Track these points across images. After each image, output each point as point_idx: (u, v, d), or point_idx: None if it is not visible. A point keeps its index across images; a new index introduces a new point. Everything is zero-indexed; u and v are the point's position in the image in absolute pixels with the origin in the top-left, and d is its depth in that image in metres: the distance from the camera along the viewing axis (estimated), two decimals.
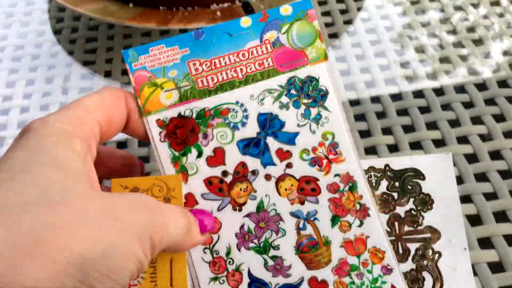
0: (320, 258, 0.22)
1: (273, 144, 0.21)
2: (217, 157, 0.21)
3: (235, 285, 0.22)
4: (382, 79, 0.35)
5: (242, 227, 0.22)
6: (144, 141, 0.22)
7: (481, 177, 0.29)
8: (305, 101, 0.22)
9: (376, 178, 0.23)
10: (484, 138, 0.31)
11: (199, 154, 0.21)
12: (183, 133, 0.21)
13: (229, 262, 0.22)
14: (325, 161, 0.21)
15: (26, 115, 0.35)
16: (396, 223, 0.23)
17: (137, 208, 0.18)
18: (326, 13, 0.40)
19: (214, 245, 0.22)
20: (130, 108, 0.21)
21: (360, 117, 0.33)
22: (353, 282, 0.22)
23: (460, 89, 0.34)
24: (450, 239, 0.23)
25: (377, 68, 0.36)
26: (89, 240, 0.16)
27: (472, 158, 0.30)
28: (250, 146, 0.21)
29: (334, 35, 0.38)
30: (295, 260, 0.22)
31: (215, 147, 0.21)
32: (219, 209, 0.22)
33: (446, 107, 0.33)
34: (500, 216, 0.27)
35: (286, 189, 0.21)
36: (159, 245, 0.18)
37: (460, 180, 0.29)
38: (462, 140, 0.31)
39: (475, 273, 0.25)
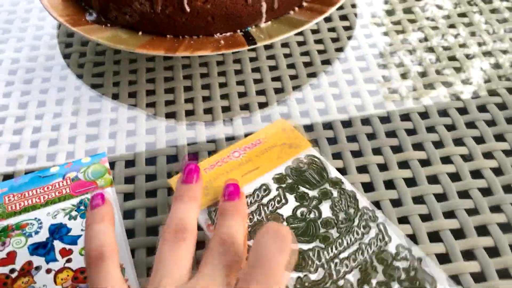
0: None
1: (58, 245, 0.28)
2: (9, 258, 0.28)
3: None
4: (371, 102, 0.38)
5: None
6: None
7: (463, 194, 0.32)
8: None
9: None
10: (466, 158, 0.34)
11: None
12: None
13: None
14: None
15: (38, 134, 0.37)
16: None
17: None
18: (319, 41, 0.43)
19: None
20: None
21: (352, 138, 0.35)
22: None
23: (443, 112, 0.37)
24: None
25: (366, 92, 0.38)
26: None
27: (454, 176, 0.33)
28: (39, 248, 0.28)
29: (326, 62, 0.41)
30: None
31: (9, 251, 0.28)
32: None
33: (430, 129, 0.36)
34: (481, 231, 0.30)
35: (62, 279, 0.27)
36: None
37: (444, 197, 0.32)
38: (445, 160, 0.34)
39: (459, 283, 0.28)
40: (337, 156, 0.34)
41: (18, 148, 0.36)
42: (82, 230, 0.28)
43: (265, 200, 0.29)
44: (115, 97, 0.40)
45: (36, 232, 0.28)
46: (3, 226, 0.28)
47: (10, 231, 0.28)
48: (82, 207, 0.29)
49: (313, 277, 0.26)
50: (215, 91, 0.39)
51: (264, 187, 0.30)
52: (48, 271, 0.27)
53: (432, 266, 0.26)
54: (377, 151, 0.34)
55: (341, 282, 0.26)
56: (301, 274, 0.26)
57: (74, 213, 0.29)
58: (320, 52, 0.42)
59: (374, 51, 0.42)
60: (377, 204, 0.31)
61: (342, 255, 0.27)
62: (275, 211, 0.29)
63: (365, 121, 0.37)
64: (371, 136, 0.35)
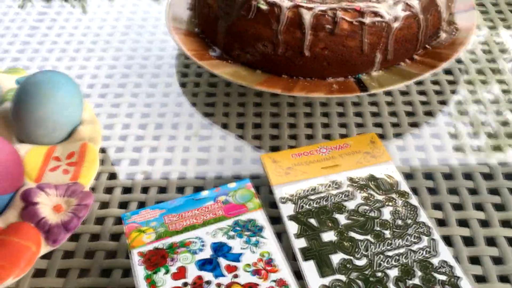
0: None
1: (222, 262, 0.30)
2: (180, 273, 0.30)
3: None
4: (473, 157, 0.38)
5: None
6: None
7: None
8: (246, 233, 0.31)
9: None
10: None
11: (166, 272, 0.29)
12: (155, 259, 0.30)
13: None
14: (263, 271, 0.29)
15: (155, 154, 0.41)
16: None
17: None
18: (422, 92, 0.44)
19: None
20: None
21: (452, 191, 0.36)
22: None
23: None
24: None
25: (469, 147, 0.39)
26: None
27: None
28: (205, 264, 0.30)
29: (429, 113, 0.42)
30: None
31: (179, 266, 0.30)
32: None
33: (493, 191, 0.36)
34: None
35: None
36: None
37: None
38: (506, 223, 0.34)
39: None
40: (437, 207, 0.35)
41: (137, 164, 0.40)
42: (241, 248, 0.30)
43: (334, 192, 0.34)
44: (224, 126, 0.43)
45: (200, 250, 0.31)
46: (169, 244, 0.31)
47: (176, 248, 0.31)
48: (237, 228, 0.32)
49: (356, 262, 0.30)
50: (318, 131, 0.41)
51: (337, 181, 0.34)
52: (218, 285, 0.29)
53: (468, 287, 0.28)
54: (478, 207, 0.35)
55: (379, 274, 0.29)
56: (346, 257, 0.30)
57: (231, 233, 0.31)
58: (422, 103, 0.43)
59: (479, 107, 0.42)
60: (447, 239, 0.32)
61: (387, 253, 0.30)
62: (340, 202, 0.33)
63: (467, 176, 0.37)
64: (472, 191, 0.36)
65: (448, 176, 0.37)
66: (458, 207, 0.35)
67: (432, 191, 0.36)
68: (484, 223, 0.34)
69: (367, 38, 0.38)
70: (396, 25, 0.38)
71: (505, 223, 0.34)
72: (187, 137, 0.42)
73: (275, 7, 0.38)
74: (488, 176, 0.37)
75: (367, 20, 0.37)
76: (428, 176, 0.37)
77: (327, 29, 0.37)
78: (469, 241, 0.33)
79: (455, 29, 0.44)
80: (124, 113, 0.44)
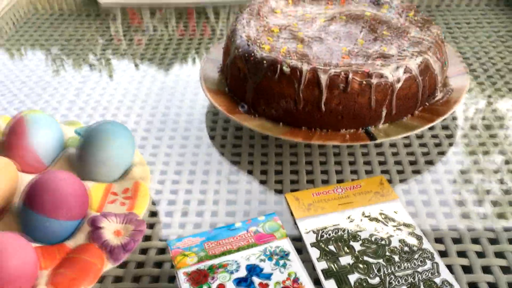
0: None
1: (256, 280, 0.35)
2: None
3: None
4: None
5: None
6: None
7: None
8: (275, 257, 0.36)
9: None
10: None
11: (208, 287, 0.35)
12: (198, 278, 0.35)
13: None
14: None
15: (189, 196, 0.46)
16: None
17: None
18: (423, 144, 0.50)
19: None
20: None
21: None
22: None
23: None
24: None
25: (471, 204, 0.45)
26: None
27: None
28: (241, 282, 0.35)
29: (430, 162, 0.48)
30: None
31: (219, 283, 0.35)
32: None
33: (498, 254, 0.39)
34: None
35: None
36: None
37: None
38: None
39: None
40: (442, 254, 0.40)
41: (174, 204, 0.45)
42: (271, 269, 0.36)
43: (349, 224, 0.40)
44: (249, 172, 0.48)
45: (236, 270, 0.36)
46: (209, 265, 0.36)
47: (215, 269, 0.36)
48: (267, 253, 0.37)
49: (371, 281, 0.35)
50: (332, 177, 0.47)
51: (352, 215, 0.41)
52: None
53: None
54: (486, 270, 0.38)
55: None
56: (362, 276, 0.35)
57: (262, 257, 0.37)
58: (424, 154, 0.49)
59: (476, 158, 0.48)
60: None
61: (397, 274, 0.35)
62: (355, 232, 0.39)
63: (473, 237, 0.42)
64: (479, 254, 0.39)
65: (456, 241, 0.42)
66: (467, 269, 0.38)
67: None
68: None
69: (375, 96, 0.45)
70: (398, 85, 0.45)
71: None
72: (217, 181, 0.48)
73: (296, 70, 0.45)
74: (494, 241, 0.42)
75: (375, 80, 0.44)
76: (438, 240, 0.43)
77: (341, 88, 0.44)
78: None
79: (450, 90, 0.51)
80: (161, 161, 0.50)
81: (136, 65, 0.68)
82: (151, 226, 0.43)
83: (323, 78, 0.44)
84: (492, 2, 0.81)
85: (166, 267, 0.39)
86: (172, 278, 0.39)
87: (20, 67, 0.69)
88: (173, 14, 0.83)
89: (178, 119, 0.57)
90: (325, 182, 0.47)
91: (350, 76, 0.44)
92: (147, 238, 0.42)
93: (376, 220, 0.40)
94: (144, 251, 0.41)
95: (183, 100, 0.60)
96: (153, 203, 0.45)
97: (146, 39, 0.75)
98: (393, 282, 0.34)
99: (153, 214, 0.44)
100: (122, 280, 0.39)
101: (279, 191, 0.46)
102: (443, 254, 0.39)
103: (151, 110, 0.58)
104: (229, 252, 0.37)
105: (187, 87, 0.62)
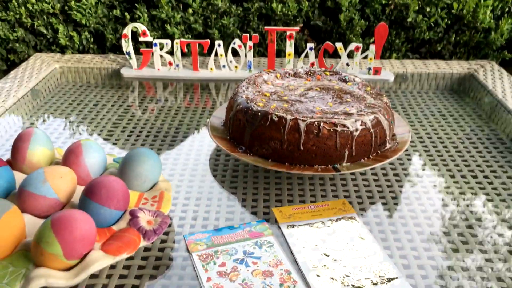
0: None
1: (249, 260, 0.50)
2: (222, 264, 0.50)
3: None
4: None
5: None
6: None
7: None
8: (264, 247, 0.52)
9: None
10: None
11: (214, 263, 0.50)
12: (206, 257, 0.51)
13: None
14: (274, 264, 0.50)
15: (198, 203, 0.60)
16: None
17: None
18: (376, 180, 0.66)
19: None
20: None
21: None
22: None
23: None
24: None
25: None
26: None
27: None
28: (238, 260, 0.50)
29: (382, 197, 0.64)
30: None
31: (221, 261, 0.51)
32: None
33: None
34: None
35: (255, 273, 0.49)
36: None
37: None
38: None
39: None
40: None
41: (185, 212, 0.60)
42: (261, 253, 0.51)
43: (319, 225, 0.56)
44: (244, 194, 0.63)
45: (235, 253, 0.51)
46: (215, 250, 0.52)
47: (219, 253, 0.51)
48: (258, 244, 0.53)
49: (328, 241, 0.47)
50: (307, 197, 0.62)
51: (322, 221, 0.56)
52: (247, 271, 0.49)
53: None
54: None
55: None
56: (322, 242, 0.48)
57: (254, 246, 0.52)
58: (377, 185, 0.65)
59: (412, 185, 0.64)
60: None
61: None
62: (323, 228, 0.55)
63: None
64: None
65: None
66: None
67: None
68: None
69: (339, 140, 0.61)
70: (356, 133, 0.62)
71: None
72: (219, 198, 0.62)
73: (282, 119, 0.62)
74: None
75: (339, 129, 0.61)
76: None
77: (315, 133, 0.61)
78: None
79: (397, 142, 0.68)
80: (177, 179, 0.65)
81: (152, 124, 0.84)
82: (169, 225, 0.57)
83: (302, 126, 0.61)
84: (439, 90, 1.01)
85: (181, 251, 0.53)
86: (186, 259, 0.52)
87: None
88: (182, 87, 1.02)
89: (186, 162, 0.72)
90: (302, 201, 0.62)
91: (322, 124, 0.61)
92: (165, 233, 0.56)
93: (337, 220, 0.55)
94: (163, 241, 0.55)
95: (194, 141, 0.76)
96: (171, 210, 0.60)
97: (159, 108, 0.92)
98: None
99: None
100: (147, 259, 0.52)
101: (266, 207, 0.61)
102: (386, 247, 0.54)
103: (167, 150, 0.74)
104: (229, 243, 0.52)
105: (195, 133, 0.79)
